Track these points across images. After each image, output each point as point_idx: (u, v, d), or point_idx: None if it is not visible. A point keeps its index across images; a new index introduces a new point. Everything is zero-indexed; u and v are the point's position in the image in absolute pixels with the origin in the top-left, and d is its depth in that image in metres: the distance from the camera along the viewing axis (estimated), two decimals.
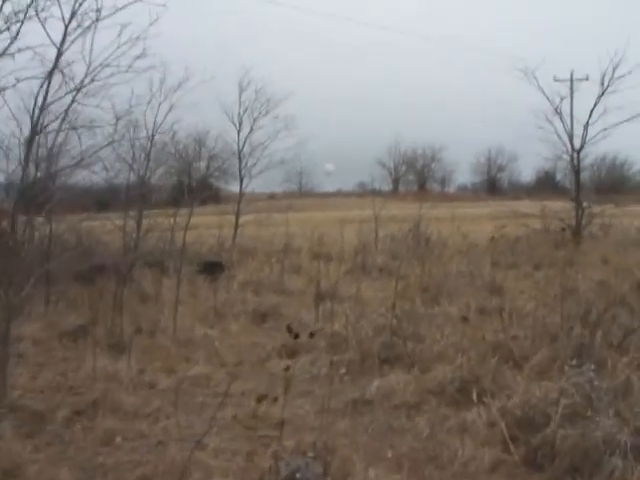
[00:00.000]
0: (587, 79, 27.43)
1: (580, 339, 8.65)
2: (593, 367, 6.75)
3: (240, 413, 7.38)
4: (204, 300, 13.86)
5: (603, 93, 24.28)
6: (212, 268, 16.78)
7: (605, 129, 24.20)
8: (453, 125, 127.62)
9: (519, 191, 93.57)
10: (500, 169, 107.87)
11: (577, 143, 24.71)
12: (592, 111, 24.33)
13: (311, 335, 7.80)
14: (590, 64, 27.95)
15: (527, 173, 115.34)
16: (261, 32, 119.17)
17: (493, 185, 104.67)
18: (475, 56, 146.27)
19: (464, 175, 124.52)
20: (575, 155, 24.74)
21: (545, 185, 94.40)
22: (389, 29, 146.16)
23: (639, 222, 25.64)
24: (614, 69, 24.04)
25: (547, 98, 24.88)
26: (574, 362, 6.99)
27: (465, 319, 9.41)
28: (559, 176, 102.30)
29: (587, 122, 24.41)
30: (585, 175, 49.44)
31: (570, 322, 9.39)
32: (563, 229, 22.59)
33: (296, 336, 7.13)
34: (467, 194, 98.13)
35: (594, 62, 24.65)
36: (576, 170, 24.93)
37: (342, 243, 21.79)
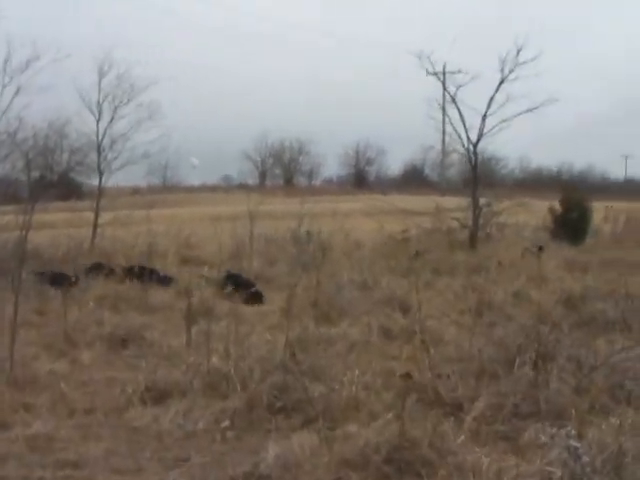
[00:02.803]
0: (460, 72, 26.42)
1: (527, 378, 6.94)
2: (574, 432, 4.98)
3: None
4: (54, 320, 11.42)
5: (503, 81, 23.00)
6: (61, 279, 14.09)
7: (504, 121, 22.95)
8: (323, 118, 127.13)
9: (387, 185, 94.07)
10: (368, 162, 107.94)
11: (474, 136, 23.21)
12: (491, 101, 23.04)
13: None
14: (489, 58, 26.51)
15: (395, 167, 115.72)
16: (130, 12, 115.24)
17: (361, 178, 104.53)
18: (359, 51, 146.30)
19: (332, 168, 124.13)
20: (471, 148, 23.12)
21: (413, 179, 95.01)
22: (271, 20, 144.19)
23: (536, 220, 24.61)
24: (517, 53, 22.89)
25: (443, 86, 23.49)
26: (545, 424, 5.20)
27: (408, 376, 7.16)
28: (427, 170, 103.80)
29: (485, 114, 23.00)
30: (453, 171, 48.66)
31: (504, 352, 7.71)
32: (464, 227, 21.24)
33: None
34: (334, 187, 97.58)
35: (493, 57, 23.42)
36: (473, 165, 23.34)
37: (213, 245, 19.69)
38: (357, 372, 7.69)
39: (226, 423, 6.94)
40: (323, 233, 20.37)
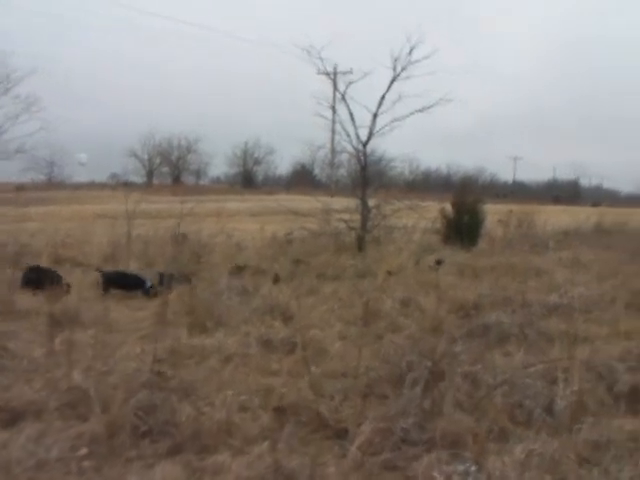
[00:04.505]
0: (351, 72, 25.95)
1: (418, 399, 6.37)
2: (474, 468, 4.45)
3: None
4: None
5: (395, 79, 22.45)
6: None
7: (394, 120, 22.37)
8: (211, 116, 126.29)
9: (275, 185, 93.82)
10: (256, 162, 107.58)
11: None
12: (382, 99, 22.42)
13: None
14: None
15: (285, 166, 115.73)
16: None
17: (249, 178, 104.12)
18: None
19: (220, 167, 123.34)
20: (361, 148, 22.52)
21: (302, 179, 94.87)
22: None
23: (425, 223, 24.19)
24: (410, 51, 22.33)
25: (333, 83, 22.88)
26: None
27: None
28: (317, 170, 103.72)
29: (375, 112, 22.38)
30: (343, 171, 48.26)
31: (393, 368, 7.16)
32: (352, 229, 20.71)
33: None
34: (222, 186, 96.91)
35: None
36: (362, 165, 22.69)
37: (91, 245, 18.70)
38: (231, 391, 7.02)
39: (83, 451, 6.18)
40: (204, 234, 19.54)
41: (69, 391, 7.21)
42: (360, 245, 20.49)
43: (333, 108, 23.87)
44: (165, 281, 12.13)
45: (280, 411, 6.45)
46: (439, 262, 6.51)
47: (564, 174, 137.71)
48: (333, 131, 25.99)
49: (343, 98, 22.69)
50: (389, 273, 13.73)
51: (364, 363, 7.65)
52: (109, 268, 15.04)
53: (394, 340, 8.58)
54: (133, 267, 15.91)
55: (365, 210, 21.81)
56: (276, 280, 13.67)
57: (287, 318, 10.54)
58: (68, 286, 13.05)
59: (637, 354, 8.44)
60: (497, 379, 7.13)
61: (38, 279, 13.22)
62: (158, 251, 18.11)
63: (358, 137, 22.65)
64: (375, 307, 10.68)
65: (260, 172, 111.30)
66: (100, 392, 7.01)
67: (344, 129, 22.82)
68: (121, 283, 13.77)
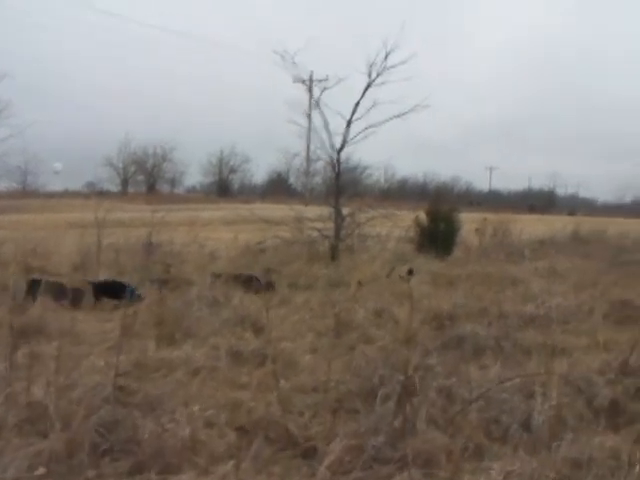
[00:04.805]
0: (327, 79, 25.57)
1: (390, 415, 6.13)
2: None
3: None
4: None
5: (370, 85, 22.08)
6: None
7: (368, 127, 22.02)
8: (186, 124, 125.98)
9: (250, 193, 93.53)
10: (232, 170, 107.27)
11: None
12: (356, 106, 22.04)
13: None
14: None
15: (260, 175, 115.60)
16: None
17: (224, 187, 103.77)
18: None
19: (195, 176, 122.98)
20: (335, 155, 22.19)
21: (278, 187, 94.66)
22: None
23: (400, 231, 23.95)
24: (386, 57, 21.88)
25: (309, 90, 22.49)
26: None
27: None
28: (292, 178, 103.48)
29: (350, 119, 22.05)
30: (319, 179, 47.99)
31: (365, 382, 6.92)
32: (325, 238, 20.49)
33: None
34: (198, 195, 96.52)
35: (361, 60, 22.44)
36: (337, 173, 22.36)
37: (62, 255, 18.34)
38: (197, 406, 6.75)
39: (41, 470, 5.89)
40: (176, 243, 19.24)
41: (29, 406, 6.90)
42: (333, 254, 20.24)
43: (309, 116, 23.62)
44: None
45: (247, 428, 6.21)
46: (410, 272, 6.27)
47: (540, 184, 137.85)
48: (309, 139, 25.72)
49: (317, 105, 22.42)
50: (360, 283, 13.47)
51: (334, 377, 7.41)
52: (79, 277, 14.73)
53: (366, 352, 8.35)
54: (103, 276, 15.59)
55: (339, 218, 21.55)
56: (257, 290, 13.39)
57: (258, 329, 10.28)
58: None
59: (616, 367, 8.22)
60: (472, 393, 6.89)
61: None
62: (130, 260, 17.80)
63: (332, 145, 22.38)
64: (347, 318, 10.46)
65: (236, 181, 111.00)
66: (60, 408, 6.69)
67: (318, 136, 22.61)
68: (110, 292, 13.44)
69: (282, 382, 7.45)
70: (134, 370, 8.12)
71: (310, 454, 5.94)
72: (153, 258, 16.74)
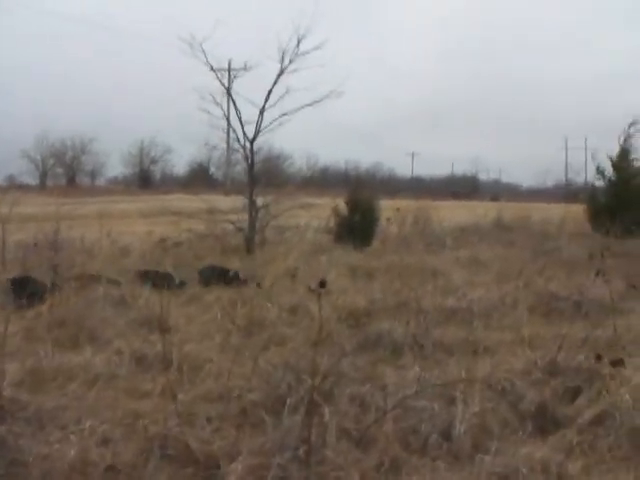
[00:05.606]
0: (245, 69, 24.88)
1: (298, 429, 5.66)
2: None
3: None
4: None
5: (282, 72, 21.27)
6: None
7: (283, 115, 21.31)
8: (106, 114, 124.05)
9: (172, 184, 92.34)
10: (153, 161, 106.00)
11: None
12: (269, 94, 21.24)
13: None
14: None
15: (181, 166, 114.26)
16: None
17: (146, 178, 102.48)
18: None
19: (116, 167, 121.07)
20: (248, 145, 21.42)
21: (199, 178, 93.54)
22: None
23: (319, 222, 23.47)
24: (298, 43, 21.07)
25: (217, 76, 21.62)
26: None
27: None
28: (213, 168, 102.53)
29: (263, 107, 21.27)
30: (240, 169, 47.24)
31: (273, 390, 6.44)
32: (240, 230, 19.80)
33: None
34: (118, 187, 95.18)
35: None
36: (250, 163, 21.59)
37: None
38: (90, 421, 6.17)
39: None
40: (87, 238, 18.44)
41: None
42: (248, 247, 19.66)
43: (227, 104, 22.92)
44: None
45: (144, 444, 5.69)
46: (323, 284, 5.87)
47: (463, 169, 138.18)
48: (228, 128, 24.97)
49: (228, 93, 21.76)
50: (277, 275, 12.97)
51: (240, 383, 6.92)
52: None
53: (275, 355, 7.87)
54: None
55: (253, 210, 20.92)
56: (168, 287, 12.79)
57: (165, 330, 9.69)
58: None
59: (542, 367, 7.76)
60: (388, 401, 6.44)
61: None
62: (38, 257, 16.97)
63: (245, 134, 21.71)
64: (260, 315, 9.98)
65: (157, 171, 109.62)
66: None
67: (230, 125, 22.06)
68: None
69: (185, 390, 6.97)
70: (28, 379, 7.49)
71: (213, 473, 5.44)
72: (61, 255, 15.91)
